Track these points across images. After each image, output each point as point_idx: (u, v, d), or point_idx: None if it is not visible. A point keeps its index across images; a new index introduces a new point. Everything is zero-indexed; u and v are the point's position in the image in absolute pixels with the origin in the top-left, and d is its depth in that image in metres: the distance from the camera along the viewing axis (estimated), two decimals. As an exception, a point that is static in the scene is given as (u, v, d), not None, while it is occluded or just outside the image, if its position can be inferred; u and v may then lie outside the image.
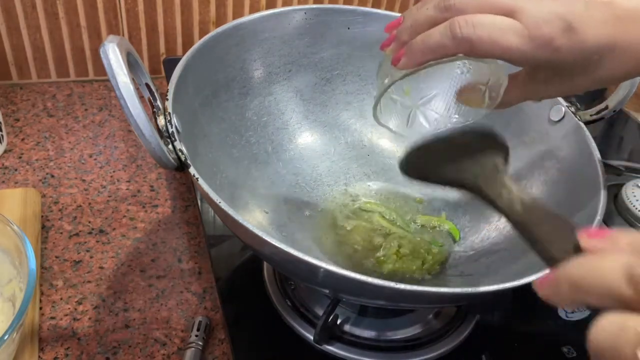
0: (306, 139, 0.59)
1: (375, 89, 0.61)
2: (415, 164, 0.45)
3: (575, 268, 0.25)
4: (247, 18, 0.52)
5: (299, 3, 0.83)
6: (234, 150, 0.53)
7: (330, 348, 0.45)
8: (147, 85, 0.42)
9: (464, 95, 0.41)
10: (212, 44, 0.49)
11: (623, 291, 0.22)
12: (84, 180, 0.62)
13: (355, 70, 0.60)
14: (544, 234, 0.31)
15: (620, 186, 0.63)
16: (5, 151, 0.65)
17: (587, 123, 0.49)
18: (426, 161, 0.45)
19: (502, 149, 0.41)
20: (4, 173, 0.62)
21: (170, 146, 0.39)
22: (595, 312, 0.23)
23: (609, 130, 0.81)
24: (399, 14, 0.57)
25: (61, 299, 0.50)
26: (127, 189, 0.62)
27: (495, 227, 0.52)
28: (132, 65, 0.39)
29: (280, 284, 0.49)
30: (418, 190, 0.58)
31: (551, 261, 0.30)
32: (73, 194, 0.60)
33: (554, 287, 0.26)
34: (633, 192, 0.61)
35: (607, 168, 0.46)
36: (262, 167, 0.55)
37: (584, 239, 0.26)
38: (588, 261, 0.25)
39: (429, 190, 0.58)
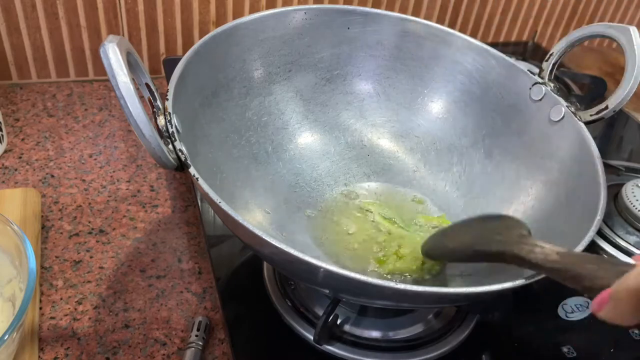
0: (306, 139, 0.59)
1: (374, 89, 0.61)
2: (435, 245, 0.46)
3: (634, 279, 0.24)
4: (247, 18, 0.52)
5: (299, 3, 0.83)
6: (234, 150, 0.53)
7: (330, 348, 0.45)
8: (147, 85, 0.42)
9: None
10: (212, 44, 0.49)
11: None
12: (84, 180, 0.62)
13: (355, 70, 0.60)
14: (588, 270, 0.30)
15: (620, 186, 0.63)
16: (5, 151, 0.65)
17: (587, 123, 0.49)
18: (447, 241, 0.45)
19: (524, 226, 0.40)
20: (4, 173, 0.62)
21: (170, 146, 0.39)
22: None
23: (609, 130, 0.81)
24: (399, 14, 0.58)
25: (61, 299, 0.50)
26: (127, 189, 0.62)
27: (495, 227, 0.52)
28: (132, 65, 0.39)
29: (280, 284, 0.49)
30: (418, 190, 0.58)
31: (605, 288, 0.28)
32: (73, 194, 0.60)
33: (614, 306, 0.25)
34: (633, 192, 0.61)
35: (607, 168, 0.46)
36: (262, 167, 0.55)
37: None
38: None
39: (429, 191, 0.58)
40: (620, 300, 0.25)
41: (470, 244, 0.42)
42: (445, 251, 0.45)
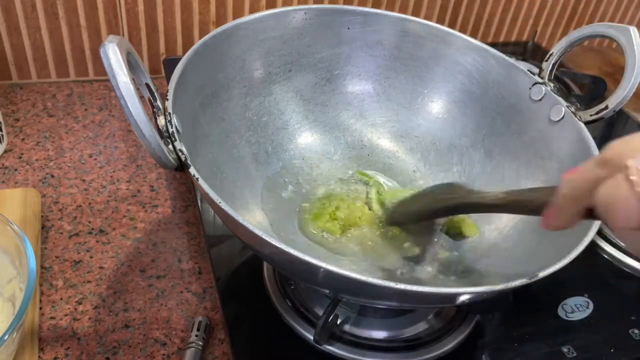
0: (306, 139, 0.59)
1: (374, 89, 0.61)
2: (397, 212, 0.52)
3: (563, 187, 0.31)
4: (247, 18, 0.52)
5: (299, 3, 0.83)
6: (234, 150, 0.53)
7: (330, 348, 0.45)
8: (147, 85, 0.42)
9: None
10: (212, 44, 0.49)
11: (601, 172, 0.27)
12: (84, 180, 0.62)
13: (355, 70, 0.60)
14: (528, 196, 0.38)
15: (620, 186, 0.63)
16: (5, 151, 0.65)
17: (587, 123, 0.49)
18: (407, 208, 0.51)
19: (468, 186, 0.48)
20: (4, 173, 0.62)
21: (170, 146, 0.39)
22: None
23: (609, 130, 0.81)
24: (399, 14, 0.58)
25: (61, 299, 0.50)
26: (127, 189, 0.62)
27: (495, 227, 0.52)
28: (132, 65, 0.39)
29: (280, 284, 0.49)
30: (418, 189, 0.58)
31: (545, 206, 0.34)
32: (73, 194, 0.60)
33: (557, 214, 0.32)
34: (633, 192, 0.60)
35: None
36: (262, 167, 0.55)
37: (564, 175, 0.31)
38: (570, 175, 0.30)
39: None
40: (561, 207, 0.31)
41: (430, 204, 0.48)
42: (409, 214, 0.51)
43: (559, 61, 0.54)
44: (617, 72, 0.92)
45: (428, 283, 0.49)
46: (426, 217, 0.50)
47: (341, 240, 0.51)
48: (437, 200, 0.48)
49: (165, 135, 0.40)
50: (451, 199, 0.46)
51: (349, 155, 0.60)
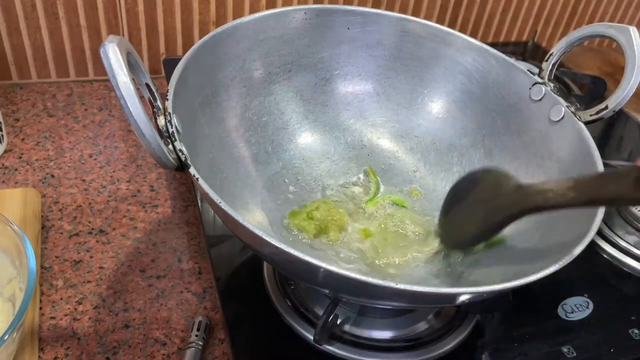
0: (306, 139, 0.59)
1: (374, 89, 0.61)
2: (458, 237, 0.49)
3: None
4: (247, 18, 0.52)
5: (299, 3, 0.83)
6: (234, 150, 0.53)
7: (330, 348, 0.45)
8: (147, 85, 0.42)
9: None
10: (212, 44, 0.49)
11: None
12: (84, 180, 0.62)
13: (355, 70, 0.60)
14: (611, 192, 0.34)
15: (620, 186, 0.63)
16: (5, 151, 0.65)
17: (587, 123, 0.49)
18: (465, 230, 0.48)
19: (505, 174, 0.45)
20: (4, 173, 0.62)
21: (170, 146, 0.39)
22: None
23: (609, 130, 0.81)
24: (399, 14, 0.58)
25: (61, 299, 0.50)
26: (127, 189, 0.62)
27: (495, 227, 0.52)
28: (132, 65, 0.39)
29: (280, 284, 0.50)
30: (417, 188, 0.58)
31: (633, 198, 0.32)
32: (73, 194, 0.60)
33: None
34: (633, 192, 0.61)
35: (607, 168, 0.46)
36: (262, 167, 0.55)
37: None
38: None
39: (429, 191, 0.58)
40: None
41: (487, 219, 0.44)
42: (472, 237, 0.47)
43: (559, 61, 0.54)
44: (617, 72, 0.92)
45: (428, 283, 0.49)
46: (493, 232, 0.46)
47: (313, 242, 0.51)
48: (491, 210, 0.44)
49: (165, 135, 0.40)
50: (507, 208, 0.42)
51: (349, 155, 0.60)
